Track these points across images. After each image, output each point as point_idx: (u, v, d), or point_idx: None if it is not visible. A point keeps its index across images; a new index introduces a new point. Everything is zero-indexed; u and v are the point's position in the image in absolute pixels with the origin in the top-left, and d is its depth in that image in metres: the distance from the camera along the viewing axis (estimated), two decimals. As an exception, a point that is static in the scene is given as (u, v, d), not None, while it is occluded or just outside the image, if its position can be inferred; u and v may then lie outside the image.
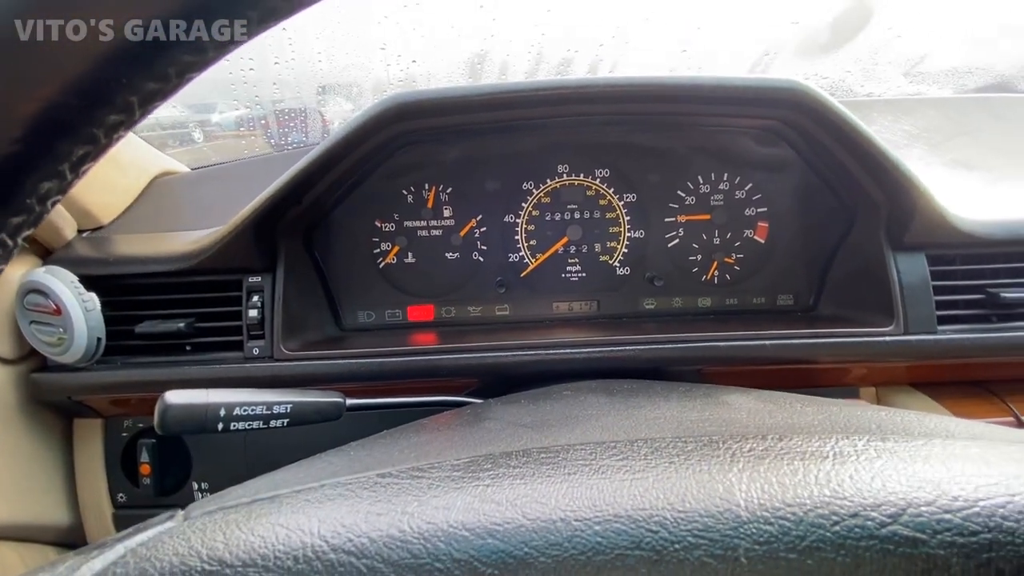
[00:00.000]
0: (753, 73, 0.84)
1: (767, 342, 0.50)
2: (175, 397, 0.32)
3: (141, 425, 0.54)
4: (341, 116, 0.87)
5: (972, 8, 0.87)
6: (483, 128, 0.52)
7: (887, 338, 0.49)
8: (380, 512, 0.17)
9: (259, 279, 0.51)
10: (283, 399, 0.34)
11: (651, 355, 0.50)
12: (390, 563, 0.15)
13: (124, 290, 0.50)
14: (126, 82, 0.14)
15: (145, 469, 0.53)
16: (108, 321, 0.48)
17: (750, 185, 0.58)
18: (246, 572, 0.15)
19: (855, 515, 0.16)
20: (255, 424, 0.33)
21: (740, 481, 0.17)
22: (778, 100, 0.47)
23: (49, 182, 0.15)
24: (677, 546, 0.16)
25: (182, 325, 0.49)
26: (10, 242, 0.15)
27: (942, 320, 0.50)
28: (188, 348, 0.51)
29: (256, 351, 0.50)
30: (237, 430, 0.32)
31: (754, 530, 0.16)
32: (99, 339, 0.48)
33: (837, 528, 0.16)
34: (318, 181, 0.49)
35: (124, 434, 0.54)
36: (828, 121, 0.46)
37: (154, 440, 0.53)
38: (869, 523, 0.16)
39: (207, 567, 0.16)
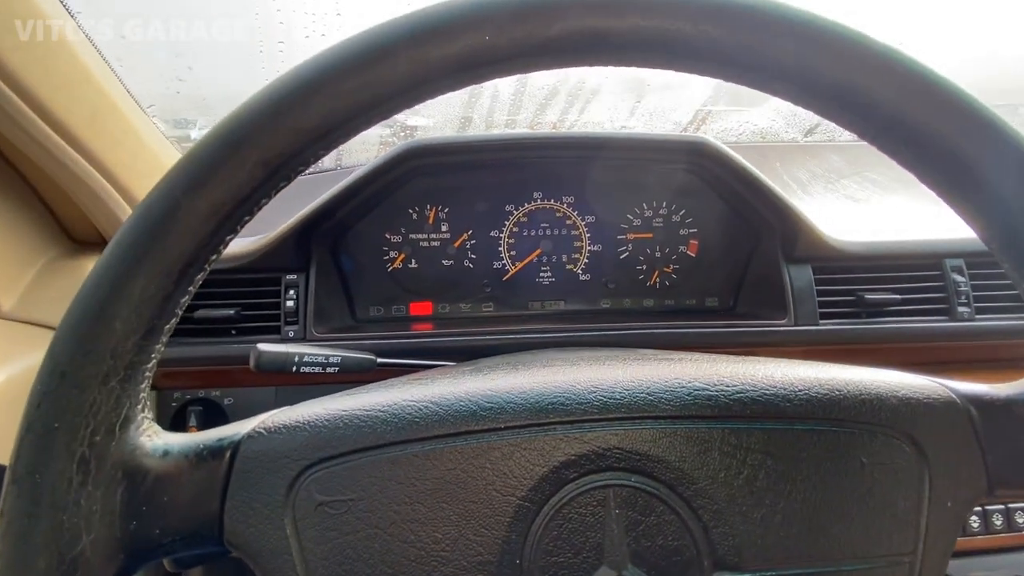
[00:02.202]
0: (696, 118, 1.01)
1: (693, 331, 0.66)
2: (265, 347, 0.45)
3: (188, 396, 0.66)
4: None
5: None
6: (475, 164, 0.67)
7: (781, 328, 0.65)
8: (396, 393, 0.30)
9: (295, 277, 0.64)
10: (334, 353, 0.47)
11: (605, 341, 0.65)
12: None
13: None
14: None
15: (193, 431, 0.64)
16: (172, 308, 0.60)
17: (683, 211, 0.74)
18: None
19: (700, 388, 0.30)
20: (317, 369, 0.45)
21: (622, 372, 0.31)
22: (690, 151, 0.64)
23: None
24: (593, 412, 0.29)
25: (232, 312, 0.62)
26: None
27: (823, 316, 0.65)
28: (233, 332, 0.63)
29: (291, 334, 0.62)
30: (305, 372, 0.45)
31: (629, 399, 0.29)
32: (165, 322, 0.60)
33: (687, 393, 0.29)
34: (347, 203, 0.63)
35: (174, 404, 0.65)
36: (728, 167, 0.63)
37: (201, 407, 0.64)
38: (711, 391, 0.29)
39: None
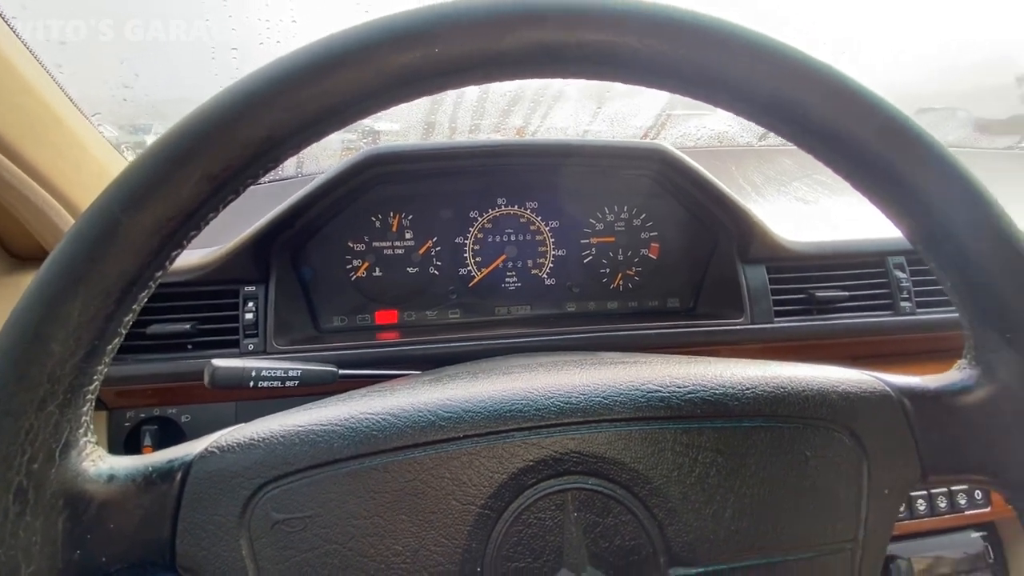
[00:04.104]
0: (657, 123, 1.04)
1: (656, 332, 0.67)
2: (220, 362, 0.43)
3: (143, 415, 0.63)
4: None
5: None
6: (438, 171, 0.67)
7: (738, 327, 0.67)
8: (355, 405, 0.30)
9: (254, 289, 0.62)
10: (293, 366, 0.46)
11: (570, 344, 0.66)
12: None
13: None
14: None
15: (148, 451, 0.61)
16: (124, 324, 0.58)
17: (644, 215, 0.76)
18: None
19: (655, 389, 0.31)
20: (275, 383, 0.44)
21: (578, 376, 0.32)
22: (648, 158, 0.65)
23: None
24: (547, 414, 0.30)
25: (188, 326, 0.60)
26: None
27: (777, 313, 0.68)
28: (189, 347, 0.61)
29: (251, 347, 0.61)
30: (263, 387, 0.44)
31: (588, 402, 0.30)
32: (115, 339, 0.58)
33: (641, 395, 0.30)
34: (306, 212, 0.62)
35: (127, 424, 0.63)
36: (683, 173, 0.65)
37: (156, 427, 0.62)
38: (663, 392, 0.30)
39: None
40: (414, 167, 0.64)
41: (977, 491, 0.69)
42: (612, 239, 0.75)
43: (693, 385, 0.30)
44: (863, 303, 0.69)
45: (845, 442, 0.29)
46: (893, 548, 0.71)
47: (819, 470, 0.29)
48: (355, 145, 0.98)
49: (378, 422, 0.28)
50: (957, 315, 0.68)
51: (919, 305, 0.70)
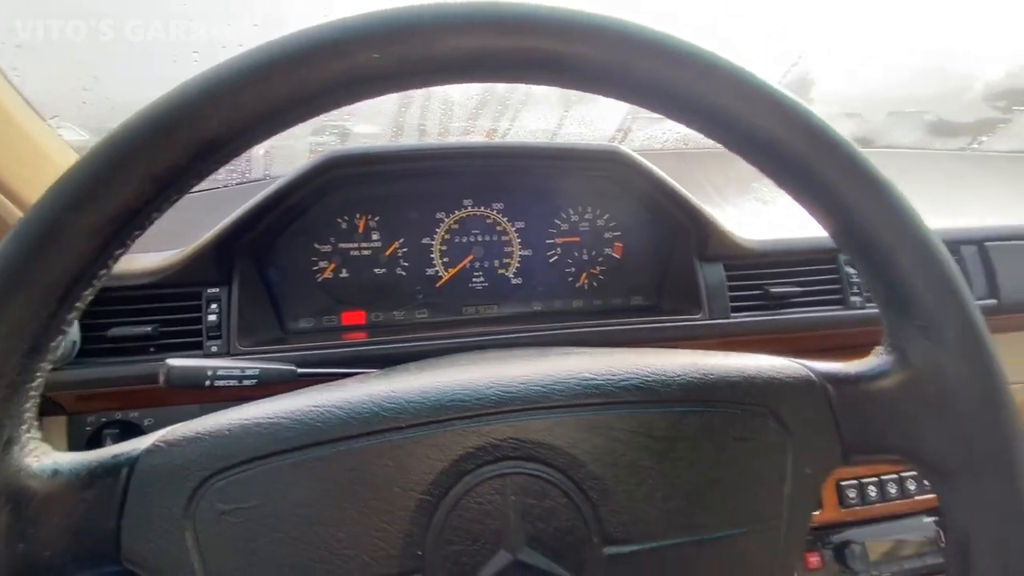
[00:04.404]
0: (623, 126, 1.06)
1: (619, 328, 0.69)
2: (176, 362, 0.44)
3: (105, 419, 0.62)
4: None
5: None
6: (403, 173, 0.68)
7: (697, 323, 0.69)
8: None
9: (217, 291, 0.62)
10: (252, 365, 0.46)
11: (537, 342, 0.67)
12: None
13: (98, 301, 0.60)
14: None
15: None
16: (83, 328, 0.58)
17: (607, 215, 0.78)
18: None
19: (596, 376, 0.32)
20: (233, 382, 0.45)
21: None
22: (605, 159, 0.67)
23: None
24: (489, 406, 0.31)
25: (149, 329, 0.59)
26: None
27: (734, 309, 0.70)
28: (152, 349, 0.61)
29: (215, 348, 0.61)
30: (220, 386, 0.44)
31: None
32: (74, 342, 0.57)
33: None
34: (268, 214, 0.62)
35: (88, 428, 0.62)
36: (640, 174, 0.67)
37: (118, 430, 0.61)
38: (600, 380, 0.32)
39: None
40: (376, 169, 0.65)
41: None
42: (577, 239, 0.77)
43: (627, 373, 0.31)
44: (815, 298, 0.72)
45: (770, 425, 0.31)
46: (848, 534, 0.74)
47: (745, 452, 0.31)
48: (326, 147, 0.99)
49: (322, 414, 0.29)
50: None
51: (868, 300, 0.73)
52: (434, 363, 0.38)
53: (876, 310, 0.76)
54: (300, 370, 0.51)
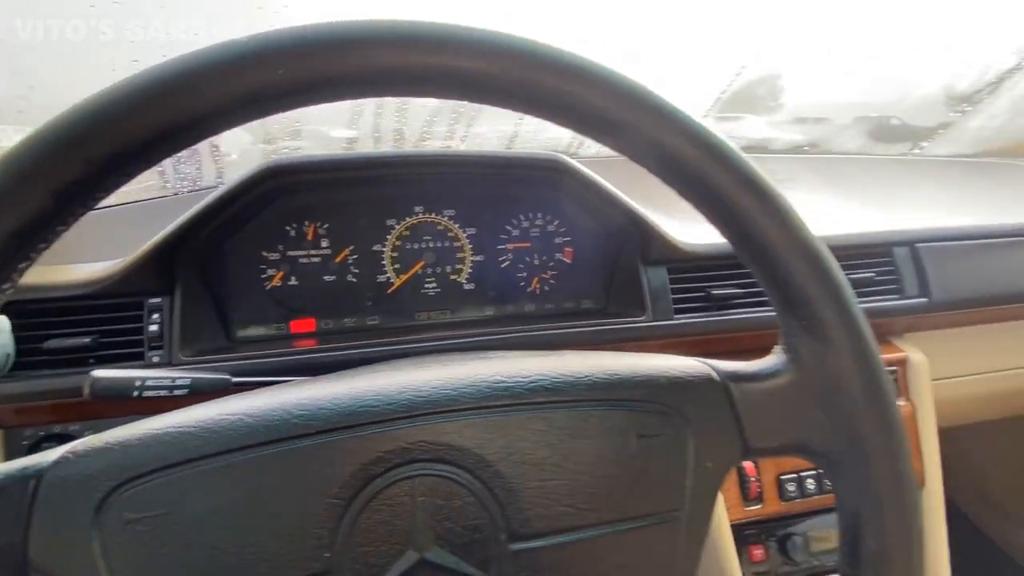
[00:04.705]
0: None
1: (569, 331, 0.71)
2: (101, 373, 0.43)
3: (43, 433, 0.61)
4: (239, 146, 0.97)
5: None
6: (350, 181, 0.68)
7: (641, 324, 0.71)
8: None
9: (159, 300, 0.62)
10: (182, 375, 0.46)
11: (489, 346, 0.68)
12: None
13: (33, 313, 0.59)
14: None
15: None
16: (19, 340, 0.57)
17: (557, 221, 0.79)
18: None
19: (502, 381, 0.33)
20: (163, 392, 0.45)
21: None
22: (546, 168, 0.69)
23: None
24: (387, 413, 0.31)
25: (88, 340, 0.59)
26: None
27: (677, 311, 0.73)
28: (92, 361, 0.60)
29: (156, 359, 0.60)
30: (150, 397, 0.44)
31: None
32: (8, 355, 0.56)
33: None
34: (210, 222, 0.62)
35: (25, 442, 0.61)
36: (580, 181, 0.69)
37: (56, 444, 0.60)
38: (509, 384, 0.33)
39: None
40: (319, 178, 0.65)
41: (861, 468, 0.76)
42: (528, 244, 0.79)
43: (536, 375, 0.32)
44: (755, 299, 0.75)
45: (673, 422, 0.33)
46: (790, 527, 0.77)
47: (649, 448, 0.32)
48: (281, 153, 0.99)
49: (233, 422, 0.29)
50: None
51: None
52: (357, 371, 0.38)
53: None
54: (235, 379, 0.51)
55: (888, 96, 1.28)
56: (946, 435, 1.66)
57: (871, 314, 0.79)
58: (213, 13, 0.76)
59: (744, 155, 0.32)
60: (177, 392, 0.46)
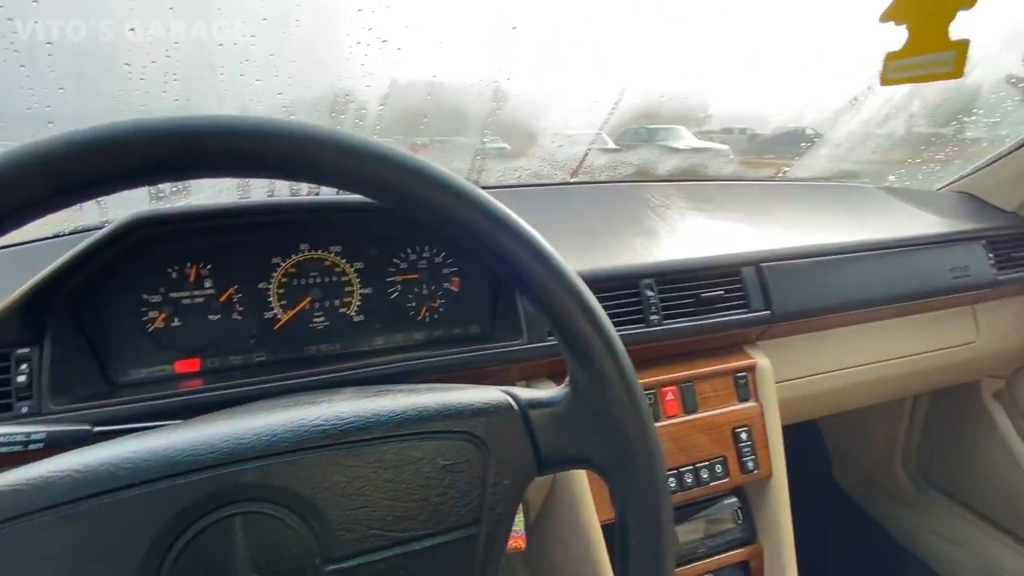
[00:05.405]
0: (474, 167, 1.15)
1: (456, 357, 0.76)
2: (-54, 434, 0.44)
3: None
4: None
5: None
6: (228, 227, 0.71)
7: (519, 347, 0.78)
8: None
9: (27, 350, 0.62)
10: (37, 429, 0.47)
11: (378, 375, 0.73)
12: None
13: None
14: None
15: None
16: None
17: (444, 253, 0.85)
18: None
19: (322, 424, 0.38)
20: (17, 448, 0.46)
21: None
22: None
23: None
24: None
25: (-54, 395, 0.58)
26: None
27: (550, 333, 0.80)
28: (-48, 416, 0.59)
29: (25, 410, 0.60)
30: (3, 453, 0.45)
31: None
32: None
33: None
34: (81, 270, 0.63)
35: None
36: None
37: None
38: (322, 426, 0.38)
39: None
40: (189, 227, 0.67)
41: (718, 466, 0.86)
42: (416, 276, 0.84)
43: (351, 417, 0.37)
44: (619, 319, 0.84)
45: (473, 448, 0.39)
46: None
47: (451, 472, 0.38)
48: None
49: (62, 478, 0.32)
50: (690, 323, 0.84)
51: (664, 317, 0.86)
52: (204, 418, 0.42)
53: (673, 326, 0.89)
54: (96, 428, 0.52)
55: (757, 126, 1.45)
56: (830, 426, 1.85)
57: (722, 327, 0.91)
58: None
59: (505, 209, 0.38)
60: (32, 447, 0.47)
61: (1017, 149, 1.20)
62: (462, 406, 0.40)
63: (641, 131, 1.75)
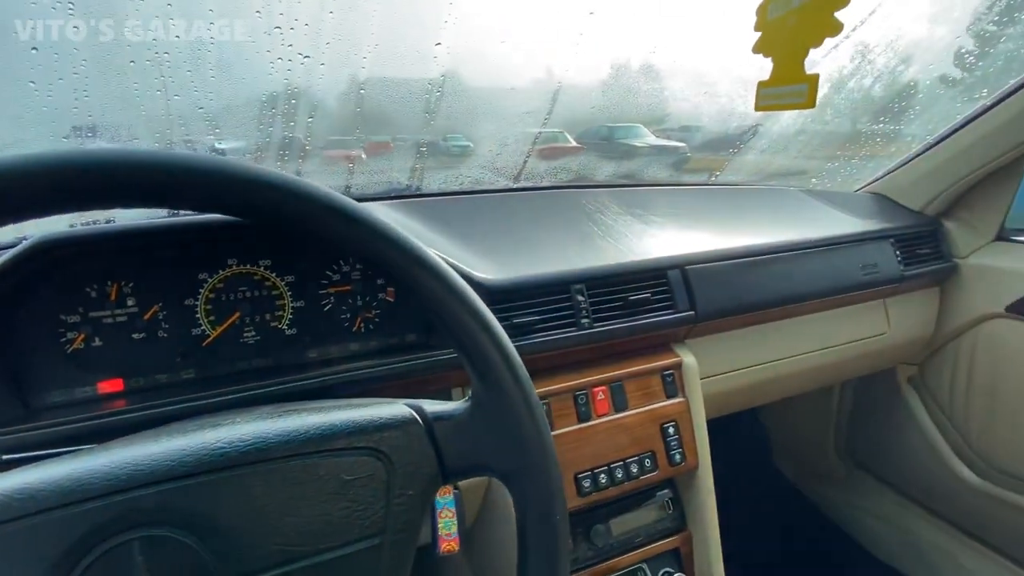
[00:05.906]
0: (414, 175, 1.17)
1: (390, 366, 0.78)
2: None
3: None
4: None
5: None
6: (145, 246, 0.70)
7: (453, 354, 0.80)
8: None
9: (-68, 377, 0.60)
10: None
11: (312, 388, 0.73)
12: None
13: None
14: None
15: None
16: None
17: (377, 264, 0.86)
18: None
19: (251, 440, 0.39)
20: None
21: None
22: None
23: None
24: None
25: None
26: None
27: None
28: None
29: (-71, 439, 0.58)
30: None
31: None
32: None
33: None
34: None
35: None
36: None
37: None
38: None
39: None
40: (102, 247, 0.66)
41: (647, 460, 0.91)
42: (349, 287, 0.84)
43: (253, 439, 0.39)
44: (552, 323, 0.87)
45: (377, 463, 0.41)
46: (592, 517, 0.89)
47: (354, 486, 0.40)
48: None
49: None
50: (619, 325, 0.87)
51: (595, 321, 0.90)
52: (106, 445, 0.42)
53: (603, 328, 0.93)
54: (6, 456, 0.52)
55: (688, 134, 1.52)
56: (770, 416, 1.94)
57: (649, 328, 0.95)
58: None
59: (410, 239, 0.40)
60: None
61: (922, 153, 1.31)
62: (366, 422, 0.41)
63: (602, 128, 1.79)
